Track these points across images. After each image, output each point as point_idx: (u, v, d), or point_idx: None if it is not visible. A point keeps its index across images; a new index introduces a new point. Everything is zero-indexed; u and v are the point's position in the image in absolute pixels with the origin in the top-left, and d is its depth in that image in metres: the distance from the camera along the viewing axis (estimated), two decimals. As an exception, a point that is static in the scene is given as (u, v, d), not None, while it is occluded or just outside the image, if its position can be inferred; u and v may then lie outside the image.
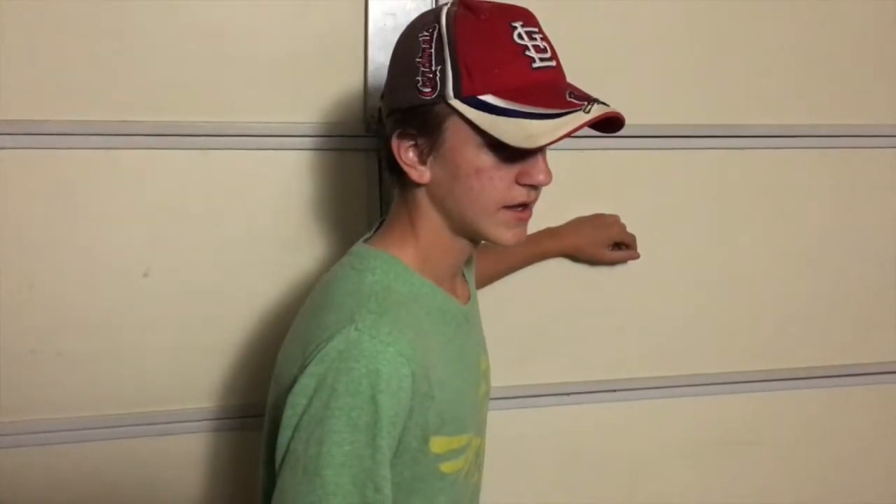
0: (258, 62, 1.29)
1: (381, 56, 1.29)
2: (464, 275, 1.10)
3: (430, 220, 0.97)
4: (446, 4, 0.93)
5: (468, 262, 1.09)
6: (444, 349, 0.97)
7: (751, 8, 1.45)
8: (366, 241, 1.02)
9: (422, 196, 0.96)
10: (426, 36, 0.91)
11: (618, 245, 1.43)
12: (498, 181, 0.92)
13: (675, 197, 1.48)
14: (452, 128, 0.90)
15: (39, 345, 1.28)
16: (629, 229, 1.43)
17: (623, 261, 1.44)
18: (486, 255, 1.28)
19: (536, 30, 0.93)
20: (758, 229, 1.53)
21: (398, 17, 1.29)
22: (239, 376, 1.35)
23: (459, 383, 0.99)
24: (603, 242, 1.42)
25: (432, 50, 0.90)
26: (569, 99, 0.89)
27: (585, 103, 0.89)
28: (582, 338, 1.48)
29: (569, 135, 0.87)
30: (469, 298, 1.08)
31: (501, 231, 0.95)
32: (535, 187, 0.94)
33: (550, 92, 0.90)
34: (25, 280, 1.26)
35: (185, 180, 1.30)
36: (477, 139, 0.90)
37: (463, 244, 0.99)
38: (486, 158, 0.91)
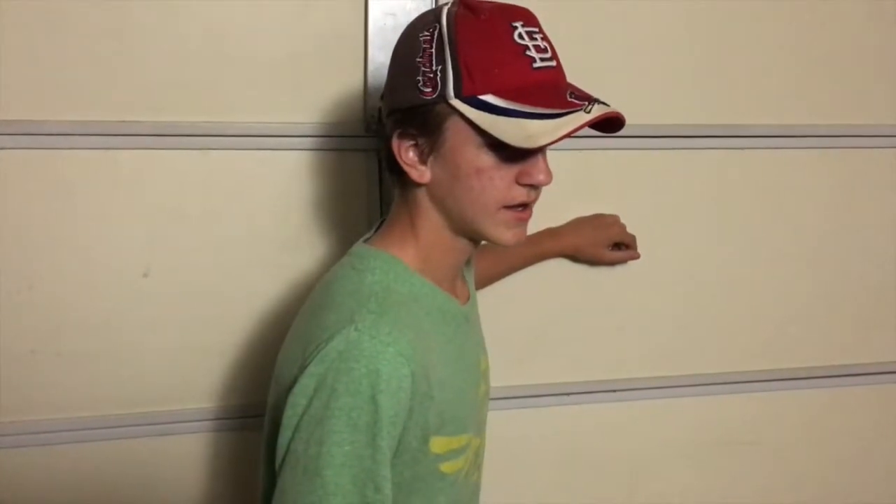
0: (258, 62, 1.29)
1: (381, 56, 1.29)
2: (463, 275, 1.09)
3: (431, 220, 0.97)
4: (446, 4, 0.93)
5: (467, 262, 1.09)
6: (443, 349, 0.97)
7: (751, 8, 1.45)
8: (366, 241, 1.02)
9: (422, 196, 0.96)
10: (427, 36, 0.91)
11: (618, 245, 1.43)
12: (498, 181, 0.92)
13: (675, 197, 1.48)
14: (453, 128, 0.90)
15: (39, 345, 1.28)
16: (629, 229, 1.43)
17: (623, 261, 1.44)
18: (485, 256, 1.28)
19: (537, 30, 0.93)
20: (758, 229, 1.53)
21: (398, 16, 1.29)
22: (239, 376, 1.35)
23: (459, 383, 0.99)
24: (603, 243, 1.42)
25: (433, 50, 0.90)
26: (569, 99, 0.90)
27: (586, 103, 0.89)
28: (582, 338, 1.48)
29: (569, 135, 0.87)
30: (468, 299, 1.08)
31: (501, 231, 0.95)
32: (536, 187, 0.94)
33: (551, 92, 0.90)
34: (25, 280, 1.26)
35: (185, 180, 1.30)
36: (477, 139, 0.90)
37: (463, 244, 0.99)
38: (487, 158, 0.91)
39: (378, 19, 1.30)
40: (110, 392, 1.31)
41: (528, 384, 1.46)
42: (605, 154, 1.42)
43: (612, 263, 1.45)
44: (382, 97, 1.01)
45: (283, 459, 0.88)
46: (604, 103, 0.90)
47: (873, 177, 1.57)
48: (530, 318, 1.45)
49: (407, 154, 0.94)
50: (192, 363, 1.33)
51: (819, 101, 1.51)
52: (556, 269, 1.44)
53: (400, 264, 0.96)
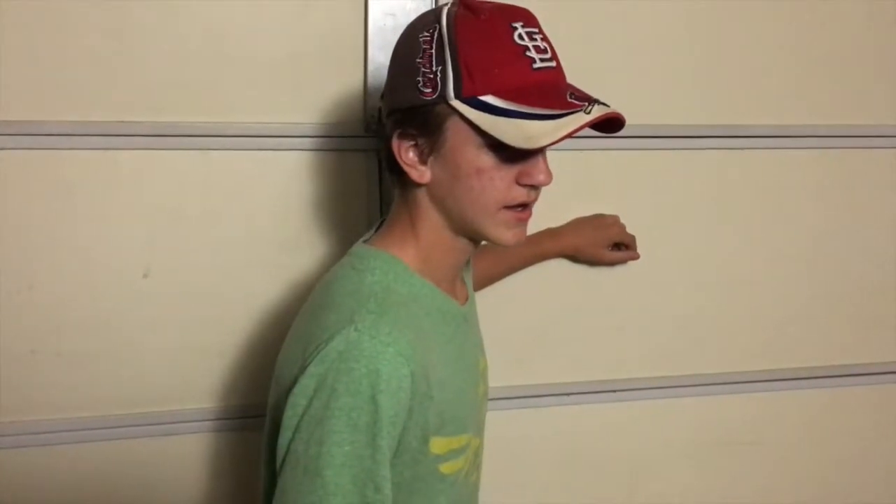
0: (258, 62, 1.29)
1: (381, 56, 1.29)
2: (462, 276, 1.09)
3: (431, 220, 0.97)
4: (446, 5, 0.93)
5: (466, 263, 1.09)
6: (443, 349, 0.97)
7: (751, 8, 1.45)
8: (366, 241, 1.02)
9: (422, 196, 0.96)
10: (427, 36, 0.91)
11: (618, 245, 1.43)
12: (498, 181, 0.92)
13: (675, 197, 1.48)
14: (453, 128, 0.90)
15: (39, 345, 1.28)
16: (629, 229, 1.43)
17: (623, 261, 1.44)
18: (485, 256, 1.28)
19: (537, 30, 0.93)
20: (758, 229, 1.53)
21: (398, 17, 1.29)
22: (239, 377, 1.35)
23: (459, 383, 0.99)
24: (603, 243, 1.42)
25: (433, 50, 0.90)
26: (569, 100, 0.90)
27: (586, 104, 0.89)
28: (582, 338, 1.48)
29: (569, 136, 0.87)
30: (467, 299, 1.08)
31: (501, 231, 0.95)
32: (536, 187, 0.94)
33: (551, 92, 0.90)
34: (25, 280, 1.26)
35: (185, 181, 1.30)
36: (477, 139, 0.90)
37: (463, 244, 0.99)
38: (487, 159, 0.91)
39: (378, 19, 1.30)
40: (110, 392, 1.31)
41: (528, 384, 1.46)
42: (605, 154, 1.42)
43: (611, 264, 1.45)
44: (382, 97, 1.01)
45: (284, 459, 0.88)
46: (604, 104, 0.90)
47: (873, 177, 1.57)
48: (530, 318, 1.45)
49: (407, 154, 0.94)
50: (192, 363, 1.33)
51: (819, 101, 1.51)
52: (556, 269, 1.44)
53: (400, 264, 0.96)
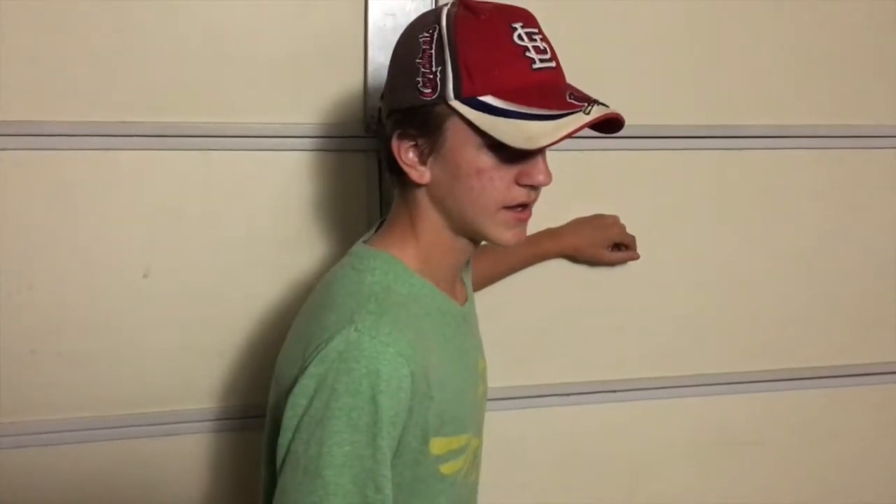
0: (258, 62, 1.29)
1: (380, 56, 1.29)
2: (461, 276, 1.09)
3: (431, 221, 0.97)
4: (446, 5, 0.93)
5: (466, 263, 1.09)
6: (443, 350, 0.97)
7: (751, 8, 1.45)
8: (366, 241, 1.02)
9: (422, 196, 0.96)
10: (426, 37, 0.91)
11: (617, 246, 1.43)
12: (498, 181, 0.92)
13: (674, 197, 1.48)
14: (453, 128, 0.90)
15: (39, 345, 1.28)
16: (629, 230, 1.43)
17: (623, 262, 1.44)
18: (485, 256, 1.28)
19: (536, 31, 0.93)
20: (757, 229, 1.53)
21: (398, 17, 1.29)
22: (239, 377, 1.36)
23: (459, 384, 0.99)
24: (603, 243, 1.42)
25: (432, 51, 0.90)
26: (569, 100, 0.90)
27: (585, 104, 0.89)
28: (582, 338, 1.48)
29: (569, 136, 0.87)
30: (466, 299, 1.08)
31: (501, 231, 0.95)
32: (535, 188, 0.94)
33: (550, 93, 0.90)
34: (25, 280, 1.26)
35: (185, 181, 1.30)
36: (477, 140, 0.90)
37: (463, 244, 0.99)
38: (487, 159, 0.91)
39: (378, 20, 1.29)
40: (110, 392, 1.31)
41: (528, 384, 1.46)
42: (605, 154, 1.42)
43: (611, 264, 1.45)
44: (382, 97, 1.01)
45: (284, 460, 0.88)
46: (603, 104, 0.90)
47: (873, 177, 1.57)
48: (530, 319, 1.45)
49: (407, 154, 0.94)
50: (192, 363, 1.33)
51: (819, 101, 1.51)
52: (556, 270, 1.44)
53: (400, 265, 0.96)
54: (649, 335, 1.51)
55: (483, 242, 1.00)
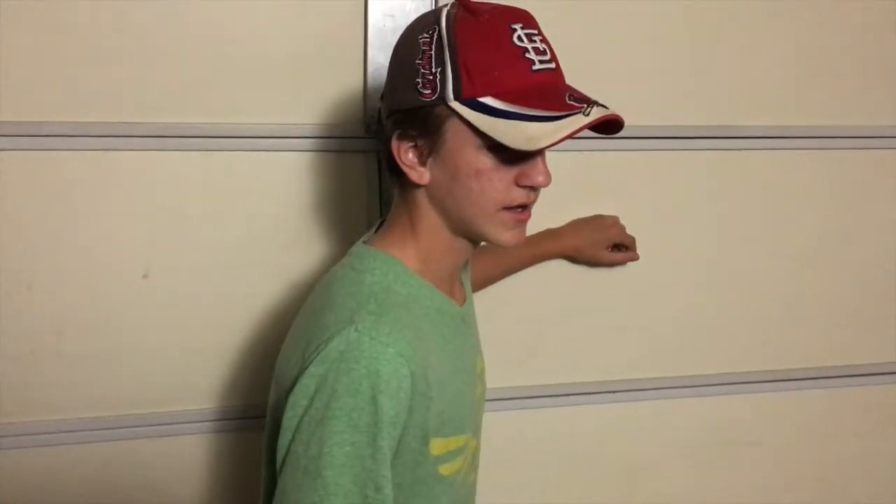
0: (258, 62, 1.29)
1: (380, 57, 1.29)
2: (460, 277, 1.09)
3: (430, 221, 0.97)
4: (446, 6, 0.93)
5: (465, 264, 1.09)
6: (442, 350, 0.97)
7: (750, 9, 1.45)
8: (365, 241, 1.02)
9: (421, 197, 0.96)
10: (426, 38, 0.91)
11: (617, 246, 1.43)
12: (497, 182, 0.92)
13: (674, 198, 1.48)
14: (452, 129, 0.90)
15: (39, 345, 1.28)
16: (629, 230, 1.43)
17: (622, 262, 1.44)
18: (484, 257, 1.28)
19: (536, 32, 0.92)
20: (757, 230, 1.53)
21: (397, 18, 1.29)
22: (239, 377, 1.36)
23: (458, 384, 0.99)
24: (602, 244, 1.42)
25: (432, 52, 0.90)
26: (568, 101, 0.90)
27: (585, 106, 0.89)
28: (581, 338, 1.48)
29: (568, 137, 0.87)
30: (465, 300, 1.08)
31: (501, 232, 0.95)
32: (535, 189, 0.94)
33: (550, 94, 0.90)
34: (25, 281, 1.26)
35: (185, 181, 1.30)
36: (477, 141, 0.90)
37: (462, 245, 0.99)
38: (486, 160, 0.91)
39: (378, 20, 1.29)
40: (110, 393, 1.31)
41: (527, 385, 1.46)
42: (605, 155, 1.42)
43: (611, 265, 1.45)
44: (382, 98, 1.01)
45: (284, 460, 0.88)
46: (603, 106, 0.90)
47: (872, 178, 1.57)
48: (529, 319, 1.45)
49: (406, 155, 0.94)
50: (192, 364, 1.33)
51: (817, 102, 1.51)
52: (556, 270, 1.44)
53: (399, 265, 0.96)
54: (649, 335, 1.51)
55: (482, 243, 1.00)
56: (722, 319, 1.54)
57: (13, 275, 1.26)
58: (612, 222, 1.43)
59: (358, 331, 0.87)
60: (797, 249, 1.55)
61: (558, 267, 1.44)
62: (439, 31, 0.90)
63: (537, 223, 1.20)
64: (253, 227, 1.33)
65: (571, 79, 0.95)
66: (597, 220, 1.43)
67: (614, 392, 1.51)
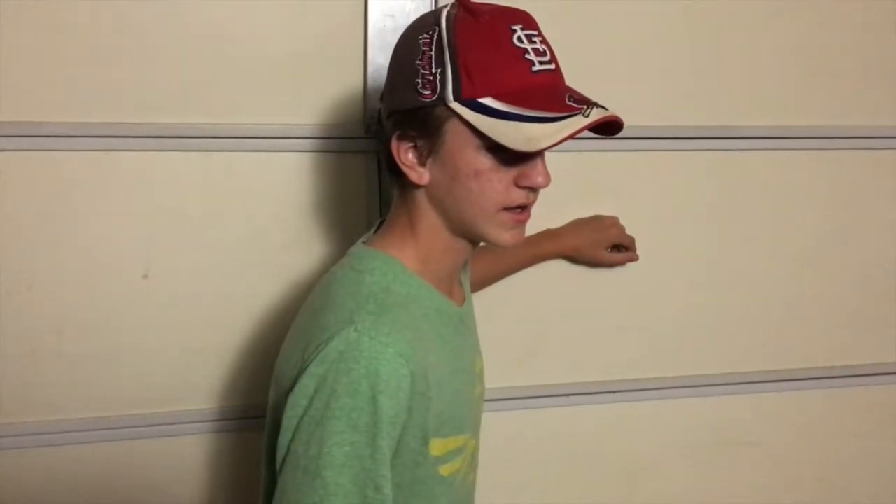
0: (258, 62, 1.29)
1: (380, 57, 1.29)
2: (459, 277, 1.10)
3: (430, 221, 0.97)
4: (446, 7, 0.93)
5: (464, 264, 1.09)
6: (441, 350, 0.97)
7: (750, 9, 1.45)
8: (365, 242, 1.02)
9: (421, 197, 0.96)
10: (426, 38, 0.91)
11: (617, 247, 1.43)
12: (497, 183, 0.92)
13: (674, 198, 1.48)
14: (452, 130, 0.91)
15: (39, 345, 1.28)
16: (629, 230, 1.43)
17: (622, 263, 1.44)
18: (484, 257, 1.27)
19: (536, 33, 0.93)
20: (757, 230, 1.53)
21: (397, 18, 1.29)
22: (239, 377, 1.36)
23: (457, 384, 0.99)
24: (602, 244, 1.42)
25: (432, 52, 0.90)
26: (568, 102, 0.90)
27: (585, 107, 0.89)
28: (581, 338, 1.48)
29: (568, 138, 0.87)
30: (464, 300, 1.08)
31: (500, 232, 0.95)
32: (534, 189, 0.94)
33: (550, 95, 0.90)
34: (25, 281, 1.26)
35: (185, 182, 1.30)
36: (476, 141, 0.90)
37: (462, 245, 0.99)
38: (486, 160, 0.91)
39: (378, 21, 1.29)
40: (110, 393, 1.31)
41: (527, 385, 1.46)
42: (605, 155, 1.42)
43: (610, 265, 1.45)
44: (382, 98, 1.01)
45: (284, 460, 0.88)
46: (602, 107, 0.90)
47: (873, 177, 1.56)
48: (529, 319, 1.45)
49: (406, 155, 0.94)
50: (192, 364, 1.33)
51: (818, 102, 1.51)
52: (556, 270, 1.44)
53: (399, 265, 0.97)
54: (649, 335, 1.51)
55: (482, 243, 1.00)
56: (722, 319, 1.54)
57: (13, 275, 1.26)
58: (611, 223, 1.43)
59: (357, 331, 0.87)
60: (797, 249, 1.55)
61: (558, 267, 1.44)
62: (439, 32, 0.90)
63: (537, 223, 1.20)
64: (253, 227, 1.33)
65: (571, 79, 0.95)
66: (596, 220, 1.43)
67: (614, 392, 1.51)
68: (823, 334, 1.59)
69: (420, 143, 0.93)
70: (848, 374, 1.61)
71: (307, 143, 1.32)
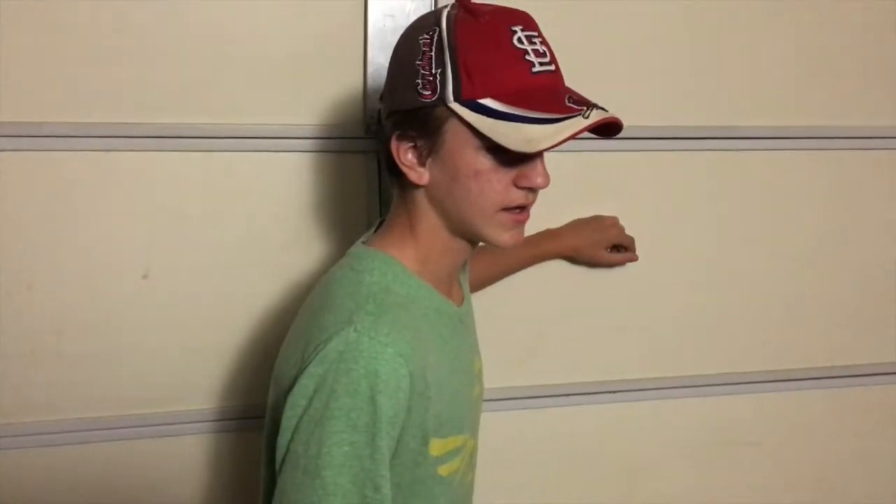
0: (258, 62, 1.29)
1: (380, 57, 1.29)
2: (458, 277, 1.09)
3: (429, 221, 0.97)
4: (446, 7, 0.93)
5: (463, 264, 1.09)
6: (440, 350, 0.97)
7: (750, 9, 1.45)
8: (364, 242, 1.02)
9: (421, 197, 0.96)
10: (426, 39, 0.91)
11: (616, 247, 1.43)
12: (496, 183, 0.92)
13: (674, 198, 1.48)
14: (452, 130, 0.91)
15: (39, 345, 1.28)
16: (629, 230, 1.43)
17: (622, 263, 1.44)
18: (483, 257, 1.27)
19: (536, 34, 0.93)
20: (757, 230, 1.53)
21: (397, 18, 1.29)
22: (239, 377, 1.36)
23: (456, 384, 1.00)
24: (601, 244, 1.42)
25: (432, 53, 0.90)
26: (568, 104, 0.90)
27: (584, 108, 0.89)
28: (581, 338, 1.48)
29: (568, 140, 0.87)
30: (463, 300, 1.08)
31: (499, 233, 0.96)
32: (534, 190, 0.94)
33: (550, 96, 0.90)
34: (25, 281, 1.26)
35: (185, 182, 1.30)
36: (476, 142, 0.90)
37: (461, 245, 0.99)
38: (485, 161, 0.91)
39: (377, 21, 1.29)
40: (110, 393, 1.32)
41: (527, 385, 1.47)
42: (604, 156, 1.42)
43: (610, 265, 1.45)
44: (381, 98, 1.01)
45: (283, 460, 0.88)
46: (602, 108, 0.90)
47: (872, 177, 1.56)
48: (529, 319, 1.45)
49: (406, 155, 0.94)
50: (192, 364, 1.33)
51: (817, 102, 1.51)
52: (556, 270, 1.44)
53: (398, 265, 0.97)
54: (649, 335, 1.51)
55: (481, 243, 1.00)
56: (722, 319, 1.54)
57: (13, 275, 1.26)
58: (611, 223, 1.43)
59: (357, 331, 0.88)
60: (797, 249, 1.55)
61: (558, 267, 1.44)
62: (440, 32, 0.90)
63: (537, 223, 1.21)
64: (253, 227, 1.33)
65: (571, 79, 0.95)
66: (596, 220, 1.43)
67: (614, 392, 1.51)
68: (823, 334, 1.59)
69: (420, 143, 0.93)
70: (848, 374, 1.61)
71: (307, 143, 1.32)
